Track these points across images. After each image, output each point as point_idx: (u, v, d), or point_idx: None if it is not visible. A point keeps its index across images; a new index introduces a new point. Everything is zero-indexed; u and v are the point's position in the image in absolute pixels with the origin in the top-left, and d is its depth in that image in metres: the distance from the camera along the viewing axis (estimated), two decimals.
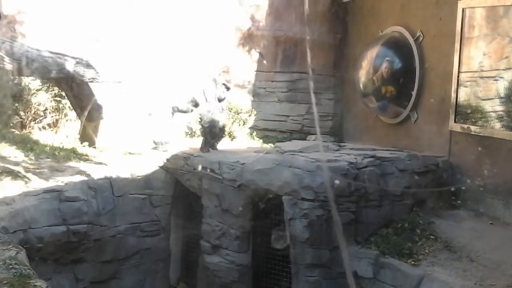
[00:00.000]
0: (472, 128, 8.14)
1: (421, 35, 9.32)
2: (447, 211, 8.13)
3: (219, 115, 9.05)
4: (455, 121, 8.48)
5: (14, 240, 6.07)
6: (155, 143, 9.56)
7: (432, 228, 7.51)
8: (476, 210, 8.05)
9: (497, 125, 7.89)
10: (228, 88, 9.22)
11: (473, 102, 8.17)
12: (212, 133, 9.06)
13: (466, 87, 8.28)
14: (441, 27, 8.89)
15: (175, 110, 9.49)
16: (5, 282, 4.45)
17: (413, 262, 6.82)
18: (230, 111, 11.45)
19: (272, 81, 11.94)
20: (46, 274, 7.07)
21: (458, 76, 8.39)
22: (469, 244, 7.01)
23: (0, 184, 7.35)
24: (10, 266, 4.83)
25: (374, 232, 7.52)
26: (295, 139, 11.04)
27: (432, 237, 7.32)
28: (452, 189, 8.41)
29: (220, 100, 9.14)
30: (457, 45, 8.38)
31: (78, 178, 8.09)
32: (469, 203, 8.21)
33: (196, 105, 9.39)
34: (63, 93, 10.42)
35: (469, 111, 8.25)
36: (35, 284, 4.56)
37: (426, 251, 7.06)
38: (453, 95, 8.47)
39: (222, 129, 9.33)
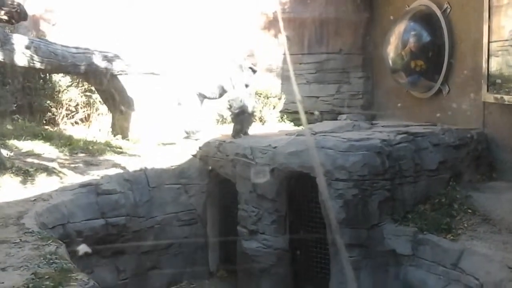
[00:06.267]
0: (506, 97, 7.97)
1: (449, 6, 9.18)
2: (484, 184, 8.01)
3: (248, 100, 9.02)
4: (487, 92, 8.33)
5: (54, 235, 6.14)
6: (186, 132, 9.60)
7: (469, 201, 7.38)
8: None
9: None
10: (254, 71, 9.15)
11: (505, 71, 7.99)
12: (242, 118, 9.05)
13: (498, 56, 8.10)
14: None
15: (201, 96, 9.49)
16: (47, 276, 4.53)
17: (452, 237, 6.71)
18: (260, 96, 11.45)
19: (300, 63, 11.88)
20: (87, 267, 7.16)
21: (488, 46, 8.21)
22: (509, 216, 6.87)
23: (37, 181, 7.45)
24: (51, 261, 4.91)
25: (411, 209, 7.38)
26: (325, 119, 11.00)
27: (470, 210, 7.19)
28: (489, 160, 8.30)
29: (246, 86, 9.10)
30: (486, 15, 8.20)
31: (113, 171, 8.18)
32: (507, 174, 8.08)
33: (223, 91, 9.39)
34: (93, 88, 10.51)
35: (501, 80, 8.09)
36: (77, 277, 4.63)
37: (465, 225, 6.94)
38: (484, 65, 8.30)
39: (252, 114, 9.33)
